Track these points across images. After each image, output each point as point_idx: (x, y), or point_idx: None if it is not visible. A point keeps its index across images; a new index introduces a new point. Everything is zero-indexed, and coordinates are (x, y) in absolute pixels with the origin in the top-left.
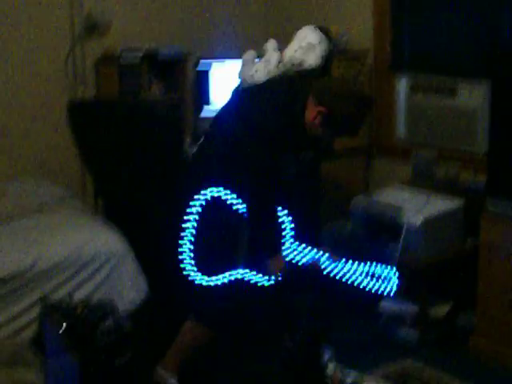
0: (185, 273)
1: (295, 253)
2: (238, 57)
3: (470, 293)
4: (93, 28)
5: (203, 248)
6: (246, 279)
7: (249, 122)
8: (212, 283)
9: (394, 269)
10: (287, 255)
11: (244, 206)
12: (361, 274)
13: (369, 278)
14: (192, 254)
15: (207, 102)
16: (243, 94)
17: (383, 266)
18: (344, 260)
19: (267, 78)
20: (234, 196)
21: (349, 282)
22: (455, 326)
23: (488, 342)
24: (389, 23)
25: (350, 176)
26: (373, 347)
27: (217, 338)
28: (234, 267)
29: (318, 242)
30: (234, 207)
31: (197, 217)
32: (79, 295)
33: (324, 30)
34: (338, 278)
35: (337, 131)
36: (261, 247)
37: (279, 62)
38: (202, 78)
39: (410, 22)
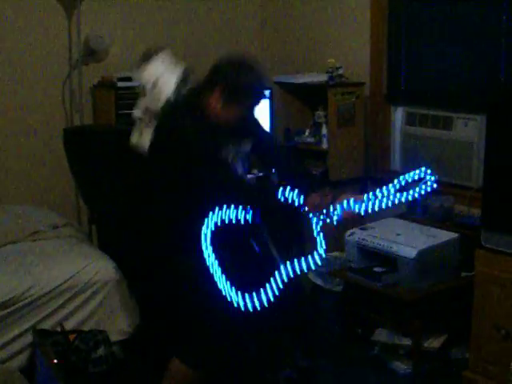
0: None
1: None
2: None
3: (464, 326)
4: (90, 54)
5: (236, 272)
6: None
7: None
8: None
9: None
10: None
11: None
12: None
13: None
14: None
15: None
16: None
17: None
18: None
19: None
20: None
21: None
22: (448, 359)
23: (481, 376)
24: (385, 56)
25: None
26: (366, 378)
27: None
28: (278, 267)
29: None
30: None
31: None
32: (71, 323)
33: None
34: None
35: (245, 101)
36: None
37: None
38: None
39: (406, 54)
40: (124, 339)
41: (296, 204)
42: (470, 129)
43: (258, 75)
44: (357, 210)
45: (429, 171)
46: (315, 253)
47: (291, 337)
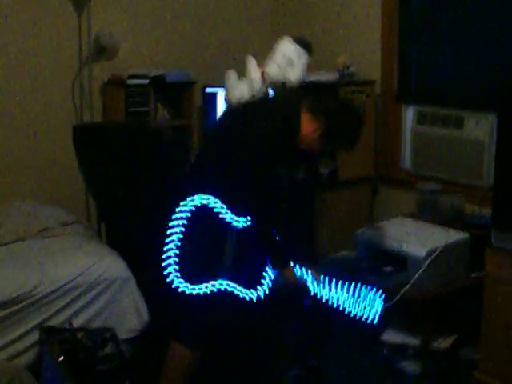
0: (168, 279)
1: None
2: None
3: (474, 326)
4: (100, 51)
5: (188, 254)
6: (229, 291)
7: (247, 134)
8: (195, 291)
9: (380, 293)
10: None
11: (230, 215)
12: (343, 296)
13: (352, 301)
14: (177, 260)
15: None
16: (237, 112)
17: (368, 288)
18: (327, 279)
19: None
20: (222, 205)
21: (330, 304)
22: (458, 359)
23: (490, 376)
24: (396, 54)
25: (355, 206)
26: (375, 379)
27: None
28: (219, 276)
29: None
30: (221, 216)
31: (184, 222)
32: (80, 320)
33: (303, 43)
34: (321, 299)
35: (335, 145)
36: (273, 260)
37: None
38: (209, 102)
39: (417, 52)
40: (133, 337)
41: None
42: (480, 128)
43: (358, 126)
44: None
45: (381, 299)
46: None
47: (301, 337)
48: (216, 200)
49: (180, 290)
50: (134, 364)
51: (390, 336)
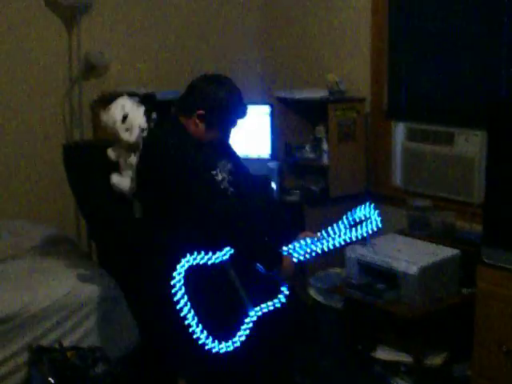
0: (201, 343)
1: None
2: None
3: (466, 343)
4: (90, 70)
5: (208, 317)
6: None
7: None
8: (237, 343)
9: (372, 206)
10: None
11: (215, 254)
12: (345, 232)
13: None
14: (201, 326)
15: None
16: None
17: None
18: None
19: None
20: (202, 253)
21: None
22: (451, 376)
23: None
24: (386, 71)
25: None
26: None
27: None
28: (246, 314)
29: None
30: (210, 262)
31: (182, 290)
32: (70, 340)
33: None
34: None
35: (226, 122)
36: (265, 258)
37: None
38: None
39: (407, 70)
40: (123, 356)
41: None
42: (471, 144)
43: (235, 95)
44: (314, 249)
45: (373, 208)
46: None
47: (290, 354)
48: (193, 254)
49: (221, 352)
50: (125, 383)
51: (383, 353)
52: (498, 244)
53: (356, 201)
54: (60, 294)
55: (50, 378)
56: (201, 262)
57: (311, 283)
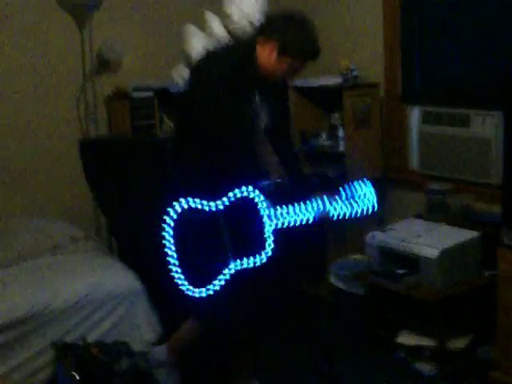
0: (180, 287)
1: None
2: None
3: (489, 325)
4: (104, 65)
5: (189, 260)
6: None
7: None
8: (211, 291)
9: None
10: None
11: (213, 202)
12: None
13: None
14: (179, 269)
15: None
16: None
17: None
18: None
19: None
20: (195, 199)
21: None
22: (474, 359)
23: (507, 375)
24: (399, 55)
25: None
26: (391, 380)
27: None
28: (227, 264)
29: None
30: (202, 208)
31: (170, 231)
32: (93, 336)
33: None
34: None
35: (296, 56)
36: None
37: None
38: None
39: (420, 53)
40: (147, 350)
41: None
42: (487, 125)
43: (311, 32)
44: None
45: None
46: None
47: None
48: (194, 199)
49: (196, 296)
50: (150, 377)
51: (405, 338)
52: None
53: (374, 186)
54: (83, 292)
55: (74, 373)
56: (194, 206)
57: (331, 270)
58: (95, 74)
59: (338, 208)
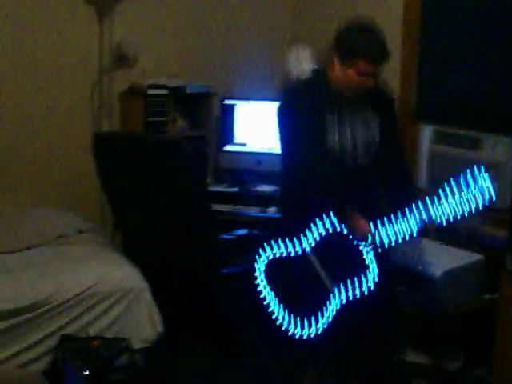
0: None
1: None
2: (262, 98)
3: (487, 347)
4: (121, 60)
5: (291, 304)
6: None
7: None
8: (318, 331)
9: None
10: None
11: (301, 242)
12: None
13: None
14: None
15: (231, 139)
16: None
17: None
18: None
19: None
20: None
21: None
22: (471, 380)
23: None
24: (416, 72)
25: None
26: None
27: None
28: (330, 301)
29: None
30: (293, 253)
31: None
32: (95, 329)
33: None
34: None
35: (361, 59)
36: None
37: None
38: (227, 114)
39: (437, 72)
40: (147, 347)
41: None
42: (498, 150)
43: (372, 37)
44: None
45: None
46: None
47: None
48: (281, 246)
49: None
50: (148, 374)
51: (404, 355)
52: None
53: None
54: (86, 284)
55: (85, 372)
56: (281, 255)
57: None
58: (112, 69)
59: (442, 210)
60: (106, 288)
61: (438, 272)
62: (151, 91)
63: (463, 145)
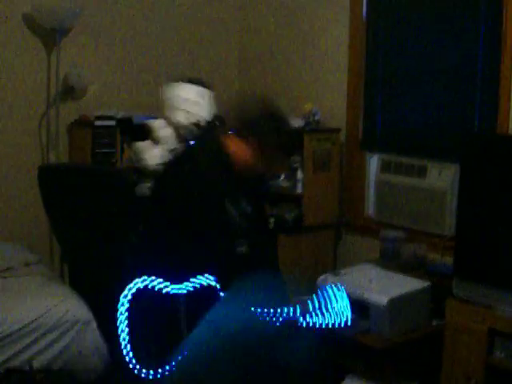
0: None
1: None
2: None
3: (436, 374)
4: (69, 91)
5: (141, 341)
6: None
7: (181, 184)
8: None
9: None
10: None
11: (175, 286)
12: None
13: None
14: (129, 347)
15: None
16: (161, 176)
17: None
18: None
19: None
20: (162, 281)
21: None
22: None
23: None
24: (362, 102)
25: (318, 252)
26: None
27: None
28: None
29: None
30: (164, 291)
31: (126, 307)
32: (41, 361)
33: (200, 82)
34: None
35: (264, 138)
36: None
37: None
38: None
39: (382, 102)
40: (94, 379)
41: None
42: (443, 177)
43: (266, 111)
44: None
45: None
46: None
47: None
48: (157, 278)
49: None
50: None
51: (352, 382)
52: (469, 276)
53: (329, 230)
54: (32, 316)
55: None
56: (153, 287)
57: None
58: (60, 101)
59: (308, 318)
60: (52, 320)
61: (384, 299)
62: (98, 122)
63: (409, 173)
